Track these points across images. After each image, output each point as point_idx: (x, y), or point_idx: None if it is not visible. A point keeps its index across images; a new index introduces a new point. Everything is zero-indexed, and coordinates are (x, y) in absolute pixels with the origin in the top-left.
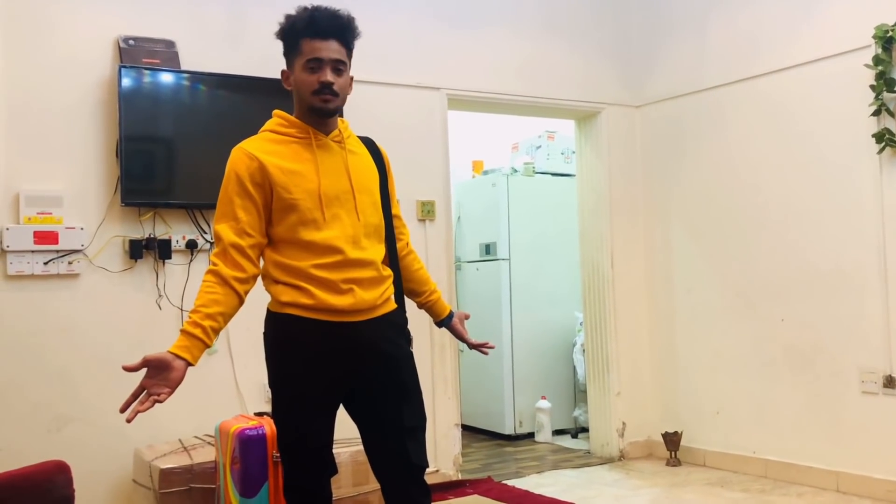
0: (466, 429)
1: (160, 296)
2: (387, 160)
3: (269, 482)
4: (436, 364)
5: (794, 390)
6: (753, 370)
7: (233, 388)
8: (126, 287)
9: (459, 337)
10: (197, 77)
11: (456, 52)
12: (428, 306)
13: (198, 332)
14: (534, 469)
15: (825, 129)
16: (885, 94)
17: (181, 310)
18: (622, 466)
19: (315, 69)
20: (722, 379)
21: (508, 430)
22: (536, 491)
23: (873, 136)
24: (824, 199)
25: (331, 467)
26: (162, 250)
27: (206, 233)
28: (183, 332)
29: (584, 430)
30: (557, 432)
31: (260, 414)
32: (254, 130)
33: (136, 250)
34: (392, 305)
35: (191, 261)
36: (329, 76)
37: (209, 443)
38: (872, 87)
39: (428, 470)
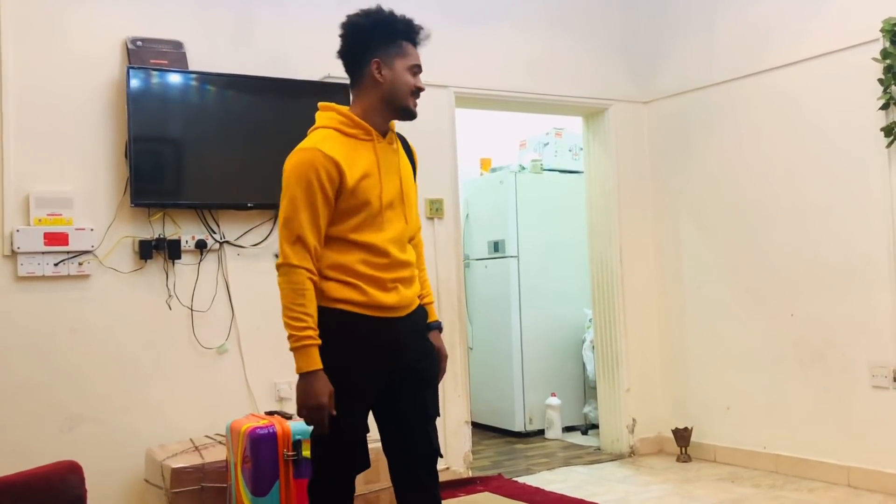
0: (476, 426)
1: (170, 296)
2: (416, 158)
3: (280, 481)
4: None
5: (804, 385)
6: (763, 365)
7: (243, 388)
8: (136, 287)
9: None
10: (205, 77)
11: (464, 49)
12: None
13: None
14: (544, 466)
15: (834, 124)
16: (894, 88)
17: (191, 310)
18: (632, 462)
19: (415, 74)
20: (732, 374)
21: (518, 427)
22: (547, 488)
23: (882, 129)
24: (834, 193)
25: (363, 462)
26: (171, 250)
27: (214, 233)
28: (312, 345)
29: (595, 426)
30: (567, 429)
31: (271, 413)
32: (262, 130)
33: (146, 251)
34: (418, 302)
35: (200, 261)
36: (423, 83)
37: (220, 442)
38: (881, 80)
39: (439, 467)
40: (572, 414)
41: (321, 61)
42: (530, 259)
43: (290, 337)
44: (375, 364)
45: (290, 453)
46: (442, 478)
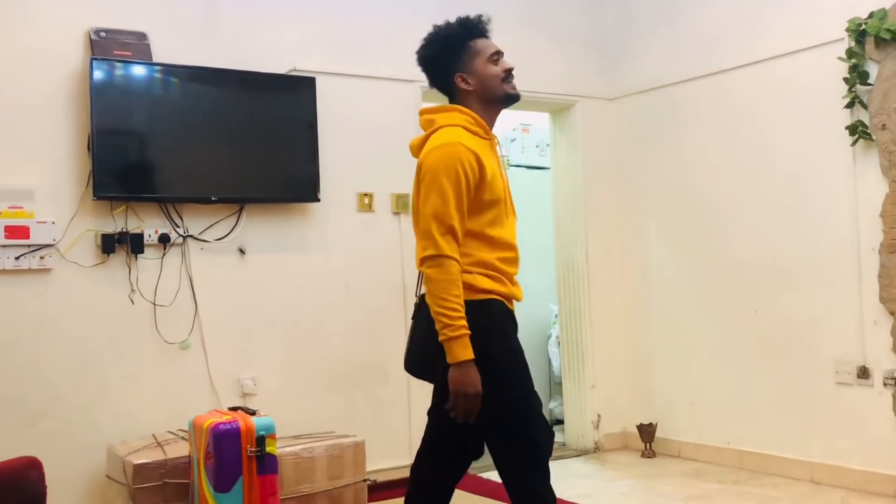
0: None
1: (133, 290)
2: None
3: (243, 477)
4: None
5: (768, 381)
6: (728, 362)
7: (206, 383)
8: (98, 282)
9: None
10: (169, 69)
11: None
12: None
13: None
14: None
15: (799, 122)
16: (859, 87)
17: (154, 304)
18: (597, 458)
19: (497, 61)
20: (697, 370)
21: None
22: None
23: (847, 128)
24: (798, 191)
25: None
26: (134, 244)
27: (178, 227)
28: (465, 336)
29: (560, 422)
30: None
31: (234, 408)
32: (227, 123)
33: (109, 245)
34: None
35: (163, 255)
36: (510, 63)
37: (183, 438)
38: (846, 79)
39: (403, 463)
40: None
41: (288, 54)
42: None
43: (445, 327)
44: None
45: (253, 449)
46: (406, 473)
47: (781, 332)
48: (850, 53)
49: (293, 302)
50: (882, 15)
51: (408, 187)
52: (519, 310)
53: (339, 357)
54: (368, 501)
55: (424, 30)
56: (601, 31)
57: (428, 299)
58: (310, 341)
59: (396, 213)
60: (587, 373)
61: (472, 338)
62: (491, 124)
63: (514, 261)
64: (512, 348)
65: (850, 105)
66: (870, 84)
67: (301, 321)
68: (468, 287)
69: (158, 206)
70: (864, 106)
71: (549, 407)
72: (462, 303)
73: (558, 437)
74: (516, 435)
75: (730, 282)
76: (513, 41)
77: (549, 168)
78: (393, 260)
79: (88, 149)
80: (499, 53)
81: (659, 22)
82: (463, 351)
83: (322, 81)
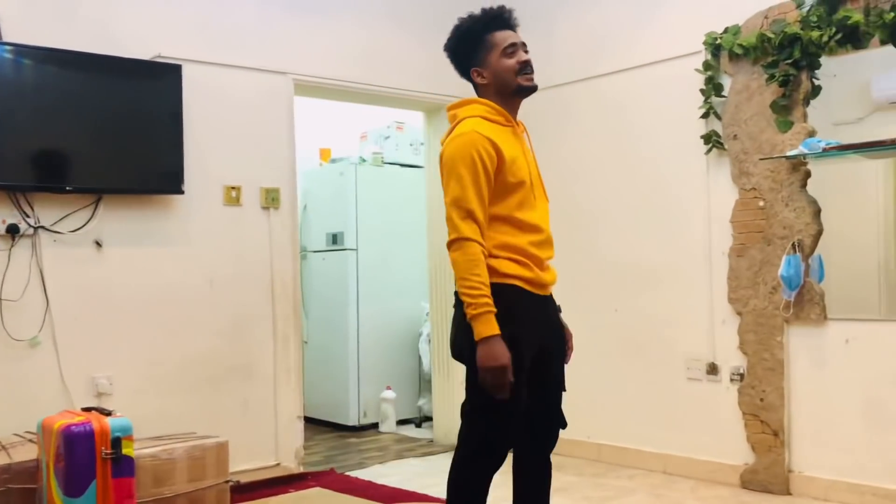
0: (310, 421)
1: None
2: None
3: (97, 480)
4: (279, 354)
5: (626, 378)
6: (589, 358)
7: (58, 382)
8: None
9: None
10: (21, 50)
11: (303, 37)
12: None
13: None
14: (377, 459)
15: (659, 130)
16: (714, 98)
17: (0, 299)
18: None
19: (513, 53)
20: None
21: (353, 422)
22: (379, 481)
23: (702, 137)
24: (659, 195)
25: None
26: None
27: (28, 217)
28: (488, 313)
29: (429, 419)
30: (402, 422)
31: (88, 409)
32: (86, 110)
33: None
34: None
35: (11, 247)
36: (526, 55)
37: (31, 440)
38: (702, 90)
39: (268, 463)
40: (407, 407)
41: (152, 40)
42: (369, 252)
43: (469, 306)
44: (535, 337)
45: (108, 451)
46: (272, 474)
47: (639, 330)
48: (707, 66)
49: (154, 297)
50: (736, 31)
51: (278, 181)
52: (390, 308)
53: (203, 355)
54: (231, 503)
55: (299, 19)
56: None
57: (455, 282)
58: (171, 338)
59: (265, 208)
60: (456, 369)
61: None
62: (513, 113)
63: (544, 244)
64: (510, 336)
65: (705, 115)
66: (724, 96)
67: (162, 317)
68: (492, 271)
69: (7, 195)
70: (718, 117)
71: (419, 404)
72: (485, 282)
73: (426, 434)
74: (469, 416)
75: (593, 281)
76: (387, 38)
77: (423, 167)
78: (261, 255)
79: None
80: (514, 46)
81: (533, 28)
82: (486, 327)
83: (189, 69)
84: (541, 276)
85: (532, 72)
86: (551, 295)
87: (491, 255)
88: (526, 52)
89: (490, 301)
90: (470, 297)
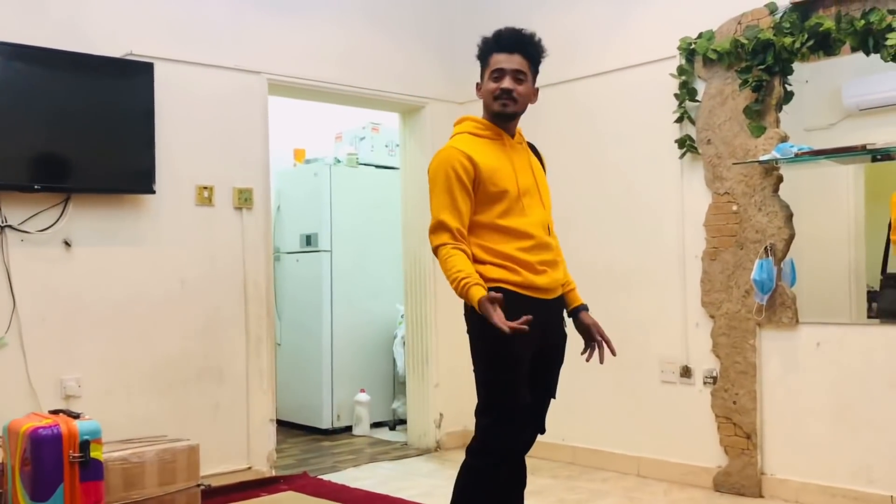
0: (283, 424)
1: None
2: (544, 163)
3: (64, 484)
4: (251, 357)
5: (600, 380)
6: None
7: (25, 385)
8: None
9: (585, 329)
10: None
11: (278, 36)
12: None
13: (481, 282)
14: (350, 463)
15: (634, 134)
16: (688, 103)
17: None
18: (438, 457)
19: (498, 78)
20: None
21: (326, 425)
22: (353, 485)
23: (676, 141)
24: (633, 199)
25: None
26: None
27: None
28: (477, 284)
29: (403, 421)
30: (376, 425)
31: (56, 412)
32: (54, 107)
33: None
34: (561, 289)
35: None
36: (508, 83)
37: None
38: (676, 95)
39: (240, 467)
40: (381, 410)
41: (123, 37)
42: (343, 253)
43: (456, 288)
44: (531, 339)
45: (76, 455)
46: (243, 478)
47: (613, 333)
48: (681, 71)
49: (124, 298)
50: (710, 36)
51: (251, 181)
52: (364, 310)
53: (174, 357)
54: None
55: (273, 18)
56: (452, 36)
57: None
58: (142, 340)
59: (238, 209)
60: (431, 372)
61: (472, 320)
62: (504, 127)
63: (534, 249)
64: (503, 339)
65: (679, 120)
66: (697, 101)
67: (132, 318)
68: (480, 277)
69: None
70: (692, 121)
71: (393, 406)
72: (461, 267)
73: (400, 438)
74: (485, 407)
75: None
76: (363, 39)
77: (398, 168)
78: (233, 256)
79: None
80: (501, 71)
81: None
82: (474, 293)
83: (162, 68)
84: (532, 279)
85: (507, 98)
86: (560, 298)
87: (478, 262)
88: (518, 78)
89: (469, 276)
90: (455, 283)
